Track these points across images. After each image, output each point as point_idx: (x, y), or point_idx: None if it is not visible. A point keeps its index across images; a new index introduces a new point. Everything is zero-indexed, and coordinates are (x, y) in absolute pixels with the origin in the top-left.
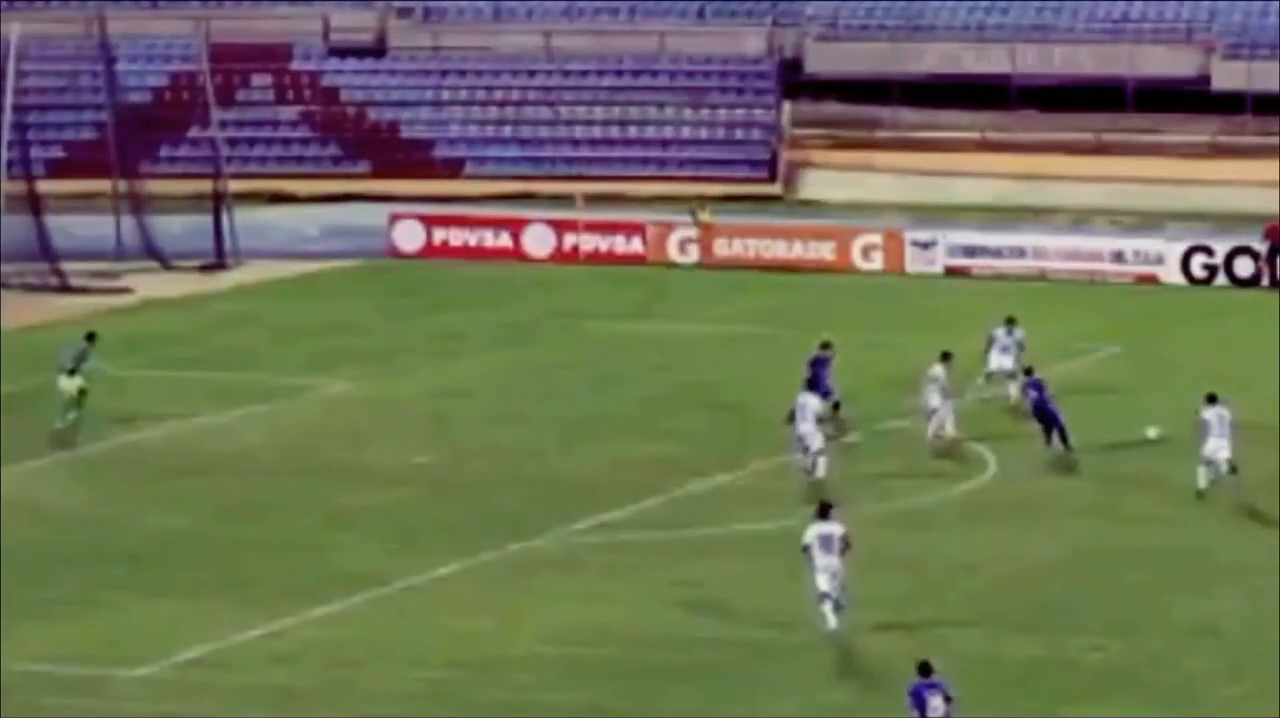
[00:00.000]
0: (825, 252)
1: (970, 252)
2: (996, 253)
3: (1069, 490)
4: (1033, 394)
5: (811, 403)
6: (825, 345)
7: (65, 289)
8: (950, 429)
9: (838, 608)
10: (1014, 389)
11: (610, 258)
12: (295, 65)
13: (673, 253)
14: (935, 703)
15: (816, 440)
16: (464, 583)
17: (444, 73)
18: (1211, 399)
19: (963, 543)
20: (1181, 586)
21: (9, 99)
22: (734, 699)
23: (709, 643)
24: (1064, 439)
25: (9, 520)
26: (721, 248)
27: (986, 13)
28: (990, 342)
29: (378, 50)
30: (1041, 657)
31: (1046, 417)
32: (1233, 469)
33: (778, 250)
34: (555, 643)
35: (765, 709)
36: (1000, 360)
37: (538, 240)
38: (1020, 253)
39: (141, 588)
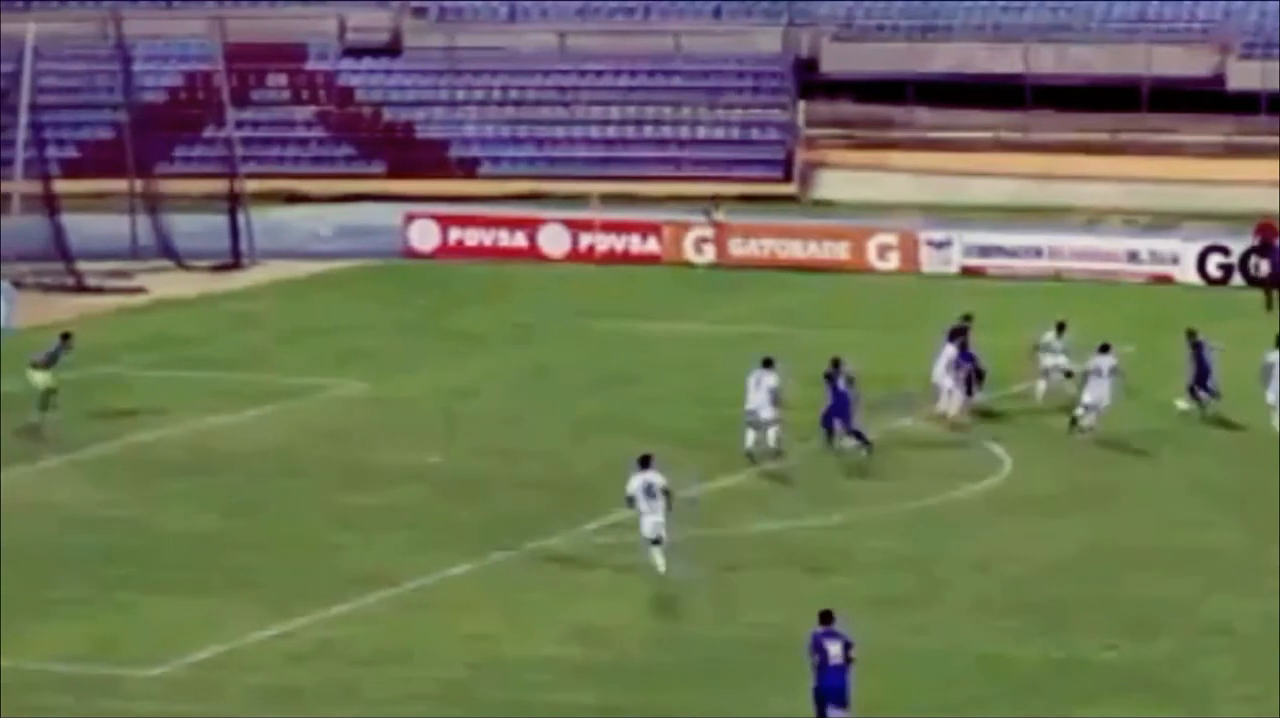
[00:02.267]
0: (840, 251)
1: (985, 251)
2: (1012, 253)
3: (1083, 490)
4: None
5: (767, 379)
6: (967, 318)
7: (80, 289)
8: (954, 410)
9: (664, 551)
10: (1074, 387)
11: (625, 257)
12: (310, 65)
13: (688, 252)
14: (834, 651)
15: (767, 412)
16: (476, 583)
17: (459, 73)
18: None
19: (976, 542)
20: (1196, 585)
21: (25, 99)
22: (744, 699)
23: (720, 643)
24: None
25: (22, 520)
26: (737, 247)
27: (1002, 13)
28: (1039, 346)
29: (393, 50)
30: (1055, 657)
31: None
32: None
33: (793, 250)
34: (567, 643)
35: (776, 709)
36: (1056, 359)
37: (553, 240)
38: (1036, 253)
39: (154, 588)
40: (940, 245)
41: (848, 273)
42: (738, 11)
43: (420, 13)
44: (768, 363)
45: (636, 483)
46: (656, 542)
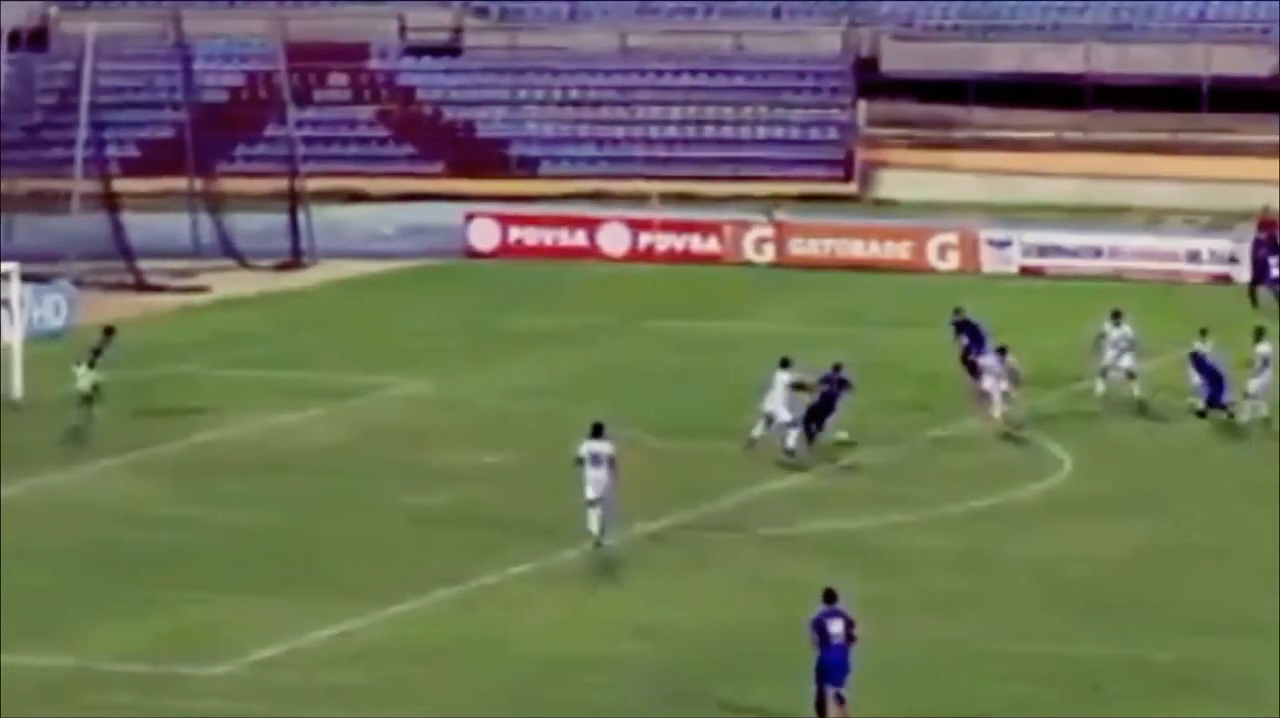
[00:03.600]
0: (901, 251)
1: (1045, 251)
2: (1072, 253)
3: (1142, 490)
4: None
5: (780, 379)
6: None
7: (142, 288)
8: (997, 413)
9: (603, 518)
10: (1136, 389)
11: (686, 257)
12: (371, 64)
13: (748, 252)
14: (835, 629)
15: (784, 414)
16: (537, 582)
17: (520, 72)
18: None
19: (1035, 542)
20: (1254, 584)
21: (86, 98)
22: (804, 697)
23: (781, 641)
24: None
25: (85, 519)
26: (797, 247)
27: (1062, 12)
28: (1101, 337)
29: (453, 50)
30: (1114, 656)
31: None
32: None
33: (853, 250)
34: (629, 641)
35: (870, 709)
36: (1116, 355)
37: (613, 239)
38: (1095, 253)
39: (217, 587)
40: (1000, 245)
41: (908, 273)
42: (798, 11)
43: (481, 12)
44: (785, 363)
45: (585, 449)
46: (593, 503)
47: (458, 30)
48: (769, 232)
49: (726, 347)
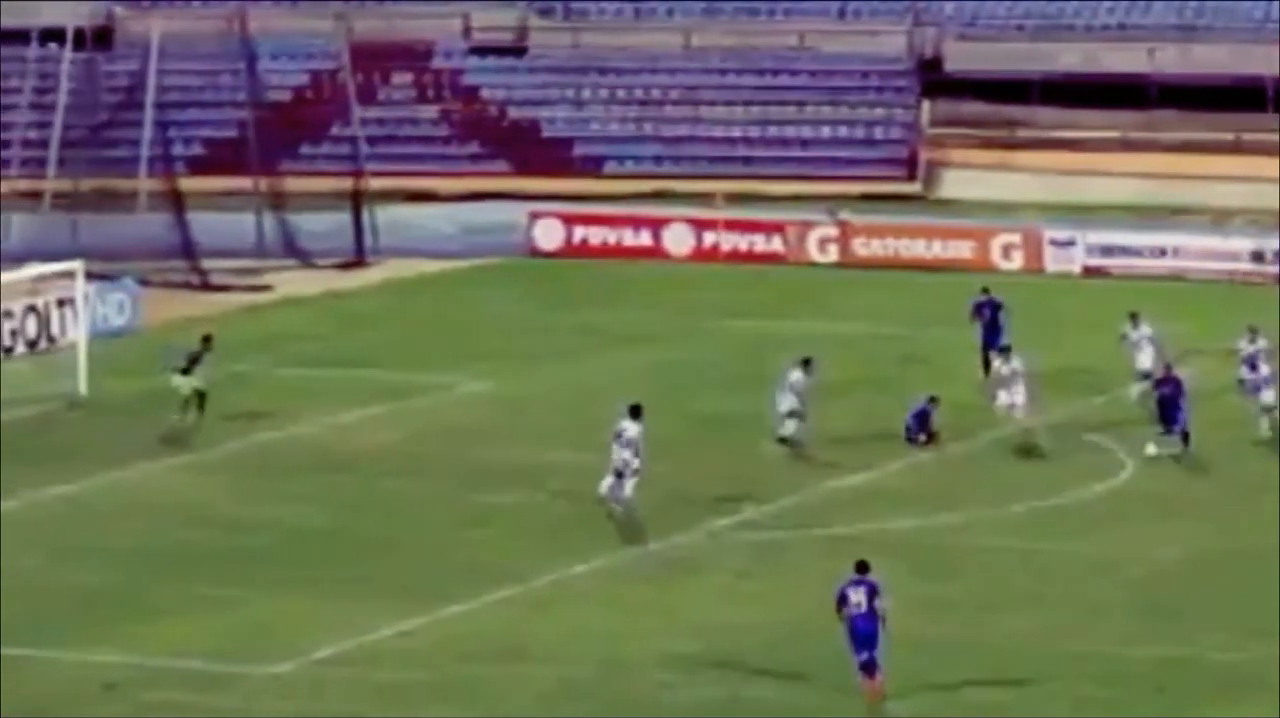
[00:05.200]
0: (964, 251)
1: (1109, 251)
2: (1136, 253)
3: (1204, 493)
4: (1165, 390)
5: (792, 374)
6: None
7: (206, 287)
8: (1020, 414)
9: (612, 487)
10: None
11: (750, 256)
12: (436, 64)
13: (812, 252)
14: (856, 598)
15: (785, 403)
16: (598, 581)
17: (584, 71)
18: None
19: (1095, 543)
20: None
21: (151, 97)
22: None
23: (843, 640)
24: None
25: (146, 518)
26: (860, 247)
27: (1126, 12)
28: (1123, 338)
29: (518, 49)
30: (1173, 657)
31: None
32: None
33: (917, 250)
34: (692, 640)
35: (900, 709)
36: (1139, 359)
37: (677, 239)
38: (1159, 253)
39: (277, 585)
40: (1064, 245)
41: (971, 272)
42: (862, 11)
43: (546, 12)
44: (805, 363)
45: (619, 425)
46: (619, 474)
47: (522, 30)
48: (833, 231)
49: (790, 346)
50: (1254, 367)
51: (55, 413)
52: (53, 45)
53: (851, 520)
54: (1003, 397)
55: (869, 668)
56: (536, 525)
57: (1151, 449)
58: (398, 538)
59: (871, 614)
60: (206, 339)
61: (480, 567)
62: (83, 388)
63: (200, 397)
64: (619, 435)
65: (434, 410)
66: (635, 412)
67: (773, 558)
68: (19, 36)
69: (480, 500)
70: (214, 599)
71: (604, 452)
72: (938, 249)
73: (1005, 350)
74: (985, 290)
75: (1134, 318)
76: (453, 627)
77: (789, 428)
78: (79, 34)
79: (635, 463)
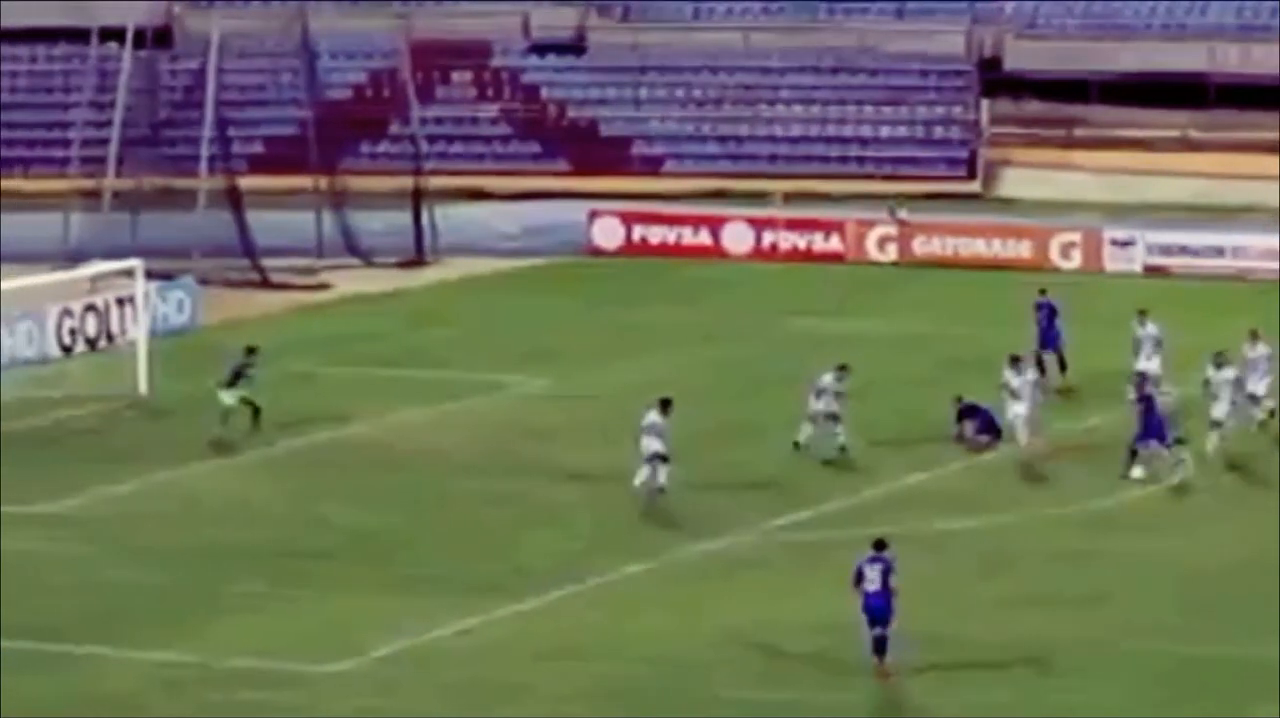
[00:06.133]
0: (1023, 250)
1: (1169, 250)
2: (1195, 252)
3: (1259, 494)
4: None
5: (826, 382)
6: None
7: (265, 285)
8: (1021, 434)
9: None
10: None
11: (809, 255)
12: (495, 62)
13: (871, 251)
14: (871, 576)
15: (824, 404)
16: (655, 580)
17: (643, 70)
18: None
19: (1151, 543)
20: None
21: (211, 96)
22: (919, 696)
23: (896, 639)
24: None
25: (208, 516)
26: (920, 246)
27: (1186, 12)
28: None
29: (577, 48)
30: (1228, 657)
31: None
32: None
33: (976, 248)
34: (746, 641)
35: (947, 707)
36: (1145, 363)
37: (736, 238)
38: (1219, 252)
39: (338, 584)
40: (1124, 244)
41: (1031, 271)
42: (922, 10)
43: (605, 11)
44: (842, 368)
45: (648, 419)
46: (650, 460)
47: (581, 28)
48: (892, 230)
49: (849, 346)
50: (1218, 366)
51: (115, 412)
52: (113, 44)
53: (907, 521)
54: (1012, 409)
55: (880, 646)
56: (594, 525)
57: (1137, 473)
58: (456, 537)
59: (885, 591)
60: (251, 350)
61: (538, 566)
62: (143, 387)
63: (254, 410)
64: (648, 427)
65: (493, 410)
66: (665, 406)
67: (826, 558)
68: (79, 35)
69: (538, 500)
70: (275, 598)
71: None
72: (997, 248)
73: (1015, 361)
74: (1042, 292)
75: (1141, 315)
76: (511, 626)
77: (814, 433)
78: (139, 33)
79: (663, 452)
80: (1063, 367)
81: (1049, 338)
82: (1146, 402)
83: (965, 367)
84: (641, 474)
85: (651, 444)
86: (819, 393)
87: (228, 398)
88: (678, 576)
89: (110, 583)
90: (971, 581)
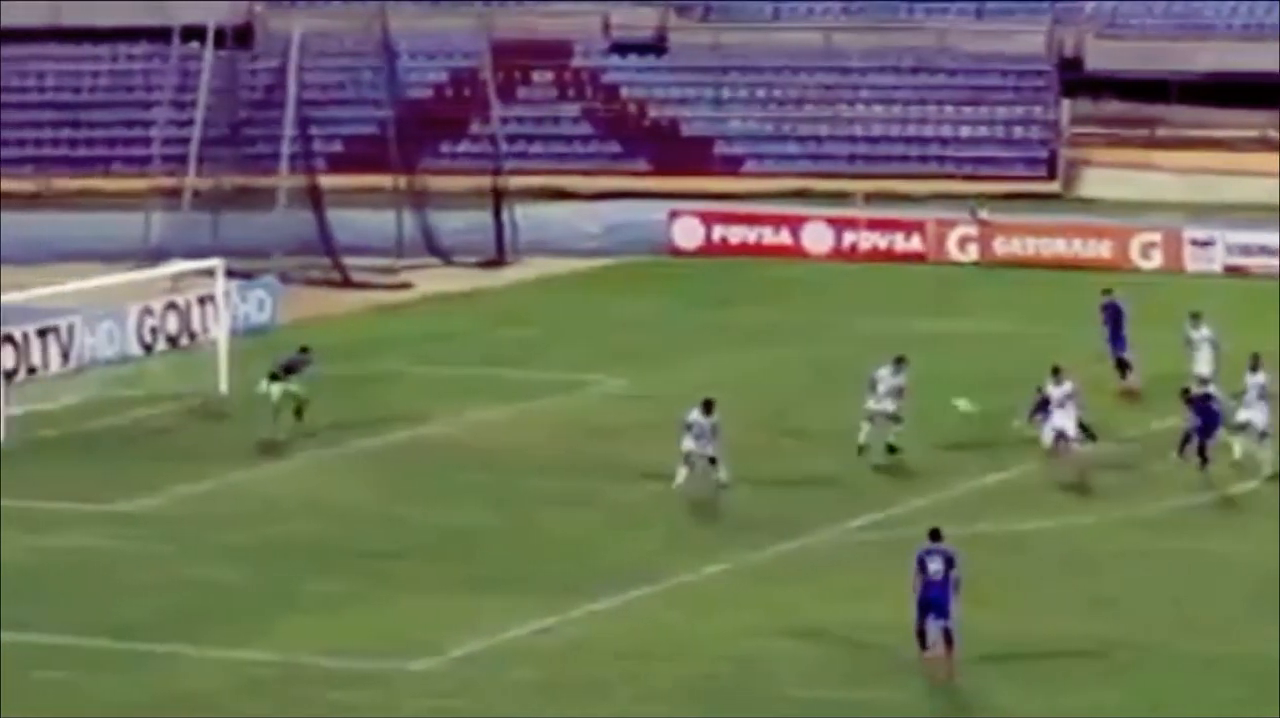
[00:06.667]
0: (1103, 250)
1: (1250, 251)
2: (1275, 252)
3: None
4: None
5: (885, 378)
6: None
7: (346, 284)
8: (1046, 441)
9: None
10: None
11: (889, 255)
12: (576, 62)
13: (952, 251)
14: (934, 567)
15: (886, 404)
16: (731, 580)
17: (724, 70)
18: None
19: (1240, 541)
20: None
21: (292, 95)
22: (1013, 696)
23: (981, 640)
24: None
25: (288, 515)
26: (1000, 246)
27: (1266, 11)
28: (1187, 343)
29: (658, 47)
30: None
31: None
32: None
33: (1056, 248)
34: (824, 641)
35: (1023, 709)
36: (1197, 362)
37: (817, 238)
38: None
39: (416, 583)
40: (1204, 244)
41: (1111, 271)
42: (1002, 10)
43: (685, 10)
44: (900, 360)
45: (692, 416)
46: (688, 460)
47: (662, 28)
48: (973, 230)
49: (930, 346)
50: (1252, 369)
51: (195, 411)
52: (194, 43)
53: (986, 520)
54: (1055, 420)
55: (949, 638)
56: (670, 525)
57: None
58: (534, 537)
59: (947, 582)
60: (304, 350)
61: (616, 565)
62: (223, 385)
63: (298, 406)
64: (689, 426)
65: (571, 409)
66: (708, 406)
67: (903, 558)
68: (160, 35)
69: (615, 499)
70: (354, 597)
71: (741, 453)
72: (1077, 248)
73: (1056, 372)
74: (1107, 292)
75: (1195, 318)
76: (588, 626)
77: (874, 433)
78: (220, 32)
79: (701, 451)
80: (1127, 369)
81: (1118, 339)
82: (1202, 404)
83: (1045, 366)
84: (680, 475)
85: (689, 443)
86: (874, 385)
87: (274, 392)
88: (754, 575)
89: (190, 582)
90: (1050, 580)
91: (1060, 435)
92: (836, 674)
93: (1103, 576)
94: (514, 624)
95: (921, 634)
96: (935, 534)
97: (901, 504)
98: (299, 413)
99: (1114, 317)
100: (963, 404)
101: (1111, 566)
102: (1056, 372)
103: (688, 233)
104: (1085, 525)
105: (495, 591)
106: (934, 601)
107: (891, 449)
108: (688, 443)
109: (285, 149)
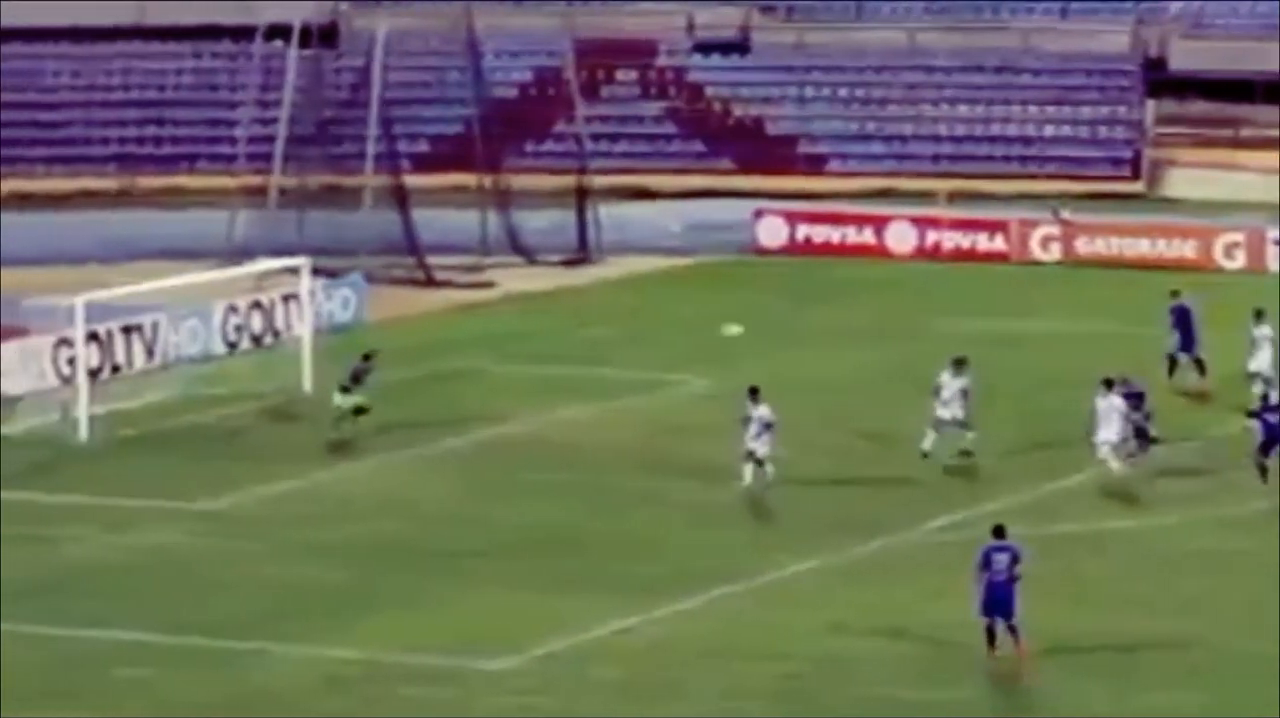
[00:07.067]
0: (1187, 250)
1: None
2: None
3: None
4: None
5: (948, 382)
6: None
7: (430, 283)
8: (1112, 461)
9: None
10: (1258, 388)
11: (972, 255)
12: (660, 61)
13: (1035, 251)
14: (1001, 562)
15: (949, 410)
16: (814, 579)
17: (808, 69)
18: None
19: None
20: None
21: (376, 94)
22: (1091, 696)
23: (1070, 639)
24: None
25: (371, 514)
26: (1083, 246)
27: None
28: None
29: (742, 47)
30: None
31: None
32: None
33: (1140, 248)
34: (907, 640)
35: (1107, 709)
36: (1256, 362)
37: (900, 238)
38: None
39: (499, 581)
40: None
41: (1194, 271)
42: (1086, 10)
43: (769, 10)
44: (959, 363)
45: (755, 412)
46: (750, 455)
47: (745, 27)
48: (1056, 230)
49: (1013, 346)
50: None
51: (280, 409)
52: (279, 42)
53: (1069, 520)
54: (1101, 434)
55: (1015, 633)
56: (755, 524)
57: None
58: (618, 535)
59: (1012, 580)
60: (368, 356)
61: (699, 564)
62: (307, 384)
63: (358, 411)
64: (747, 420)
65: (654, 408)
66: (754, 394)
67: None
68: (245, 33)
69: (699, 498)
70: (436, 595)
71: (823, 452)
72: (1161, 248)
73: (1108, 384)
74: (1175, 293)
75: (1259, 315)
76: (671, 624)
77: (939, 440)
78: (305, 31)
79: (765, 449)
80: (1173, 369)
81: (1188, 341)
82: (1264, 416)
83: (1126, 366)
84: (747, 474)
85: (750, 442)
86: (937, 392)
87: (344, 403)
88: (836, 575)
89: (272, 580)
90: (1129, 581)
91: (1102, 447)
92: (919, 674)
93: (1183, 576)
94: (596, 623)
95: (990, 632)
96: (999, 531)
97: (981, 505)
98: (358, 413)
99: (1183, 318)
100: (731, 329)
101: (1191, 566)
102: (1109, 384)
103: (772, 232)
104: (1166, 526)
105: (577, 589)
106: (1000, 598)
107: (965, 454)
108: (751, 442)
109: (370, 148)
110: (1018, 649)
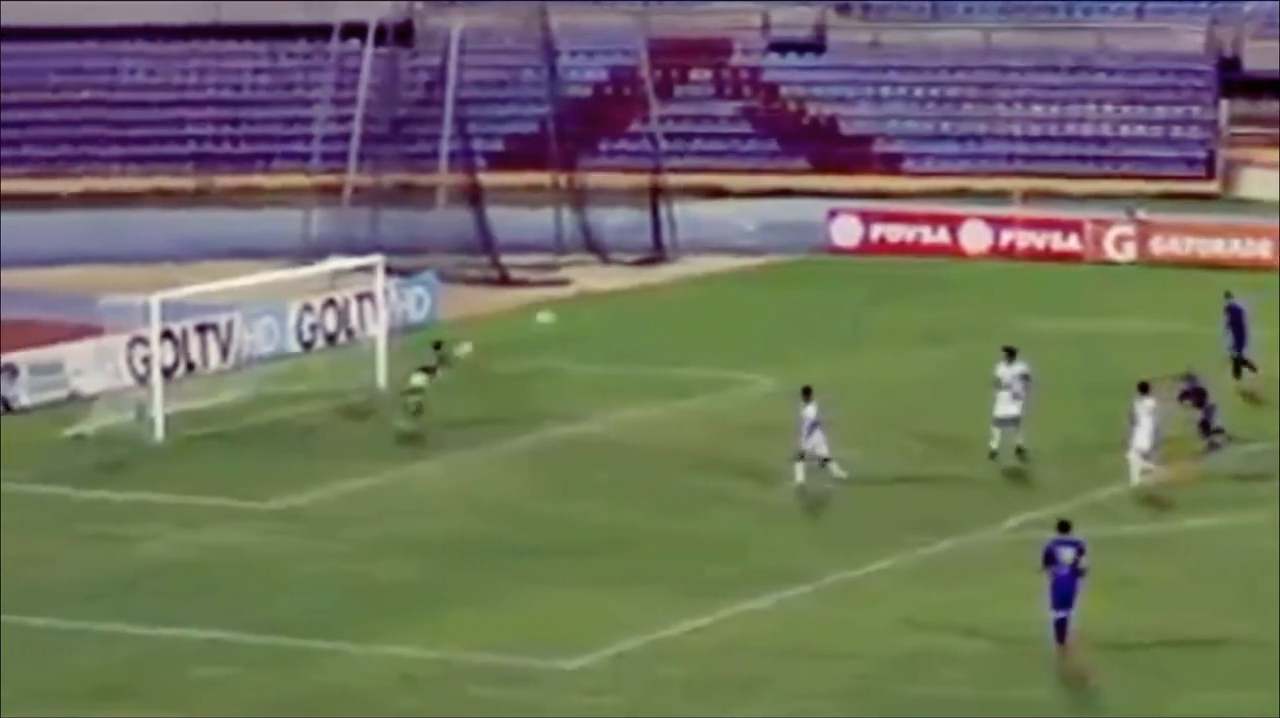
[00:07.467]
0: (1261, 250)
1: None
2: None
3: None
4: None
5: (1004, 372)
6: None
7: (504, 282)
8: (1136, 467)
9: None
10: None
11: (1047, 255)
12: (735, 60)
13: (1109, 250)
14: (1067, 557)
15: (1006, 408)
16: (888, 578)
17: (883, 69)
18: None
19: None
20: None
21: (451, 92)
22: (1160, 695)
23: (1137, 638)
24: None
25: (443, 511)
26: (1158, 245)
27: None
28: None
29: (817, 46)
30: None
31: None
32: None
33: (1214, 248)
34: (979, 639)
35: (1186, 709)
36: None
37: (974, 237)
38: None
39: (572, 580)
40: None
41: (1269, 271)
42: (1161, 10)
43: (844, 9)
44: (1011, 353)
45: (808, 411)
46: (801, 456)
47: (821, 27)
48: (1130, 230)
49: (1087, 346)
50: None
51: (354, 407)
52: (354, 41)
53: (1142, 520)
54: (1137, 440)
55: (1060, 629)
56: (828, 523)
57: None
58: (691, 535)
59: (1075, 573)
60: (438, 344)
61: (772, 564)
62: (381, 382)
63: (420, 405)
64: (804, 420)
65: (726, 407)
66: (806, 393)
67: None
68: (321, 32)
69: (770, 498)
70: (510, 594)
71: (894, 452)
72: (1235, 248)
73: (1144, 388)
74: (1228, 294)
75: None
76: (744, 624)
77: (1003, 438)
78: (380, 30)
79: (823, 449)
80: (1240, 370)
81: (1239, 340)
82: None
83: (1200, 365)
84: (799, 474)
85: (807, 443)
86: (998, 383)
87: (425, 384)
88: (908, 574)
89: (345, 578)
90: (1201, 580)
91: (1138, 452)
92: (990, 673)
93: (1249, 577)
94: (667, 623)
95: (1060, 627)
96: (1064, 526)
97: (1055, 504)
98: (418, 411)
99: (1236, 319)
100: (542, 316)
101: (1258, 567)
102: (1145, 389)
103: (846, 231)
104: (1238, 526)
105: (649, 589)
106: (1063, 591)
107: (1019, 453)
108: (806, 441)
109: (445, 147)
110: (1063, 645)
